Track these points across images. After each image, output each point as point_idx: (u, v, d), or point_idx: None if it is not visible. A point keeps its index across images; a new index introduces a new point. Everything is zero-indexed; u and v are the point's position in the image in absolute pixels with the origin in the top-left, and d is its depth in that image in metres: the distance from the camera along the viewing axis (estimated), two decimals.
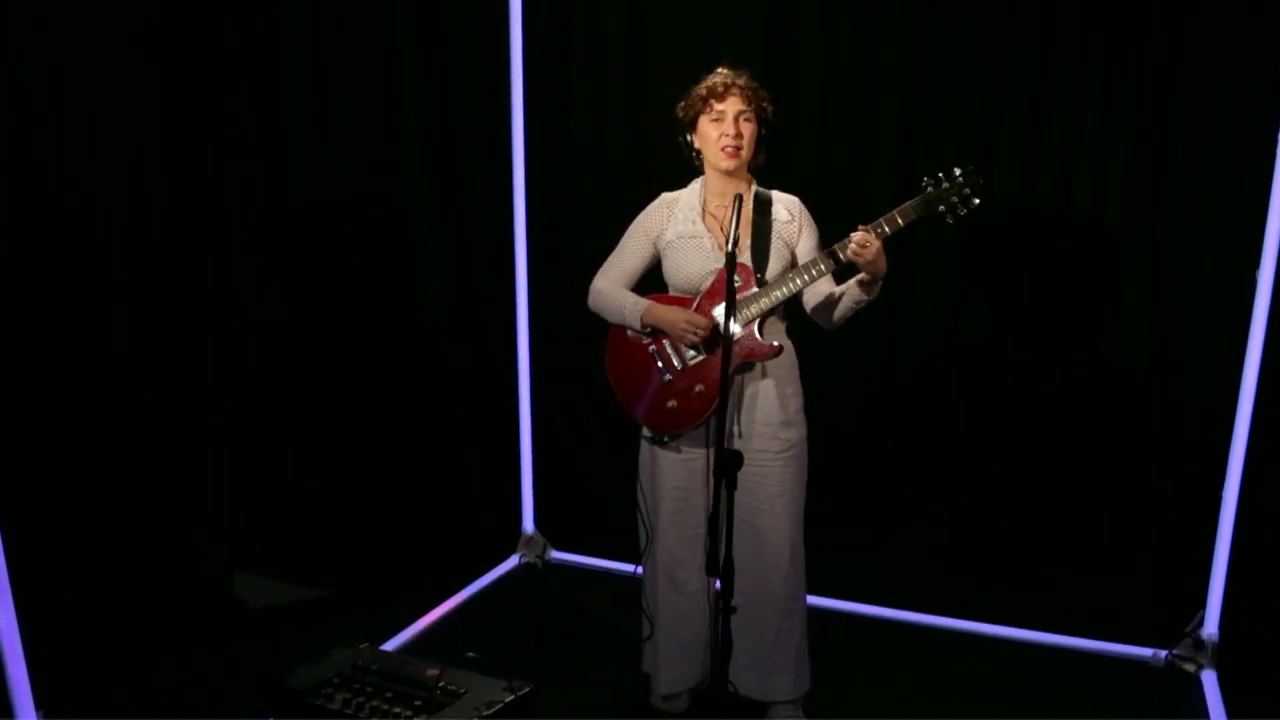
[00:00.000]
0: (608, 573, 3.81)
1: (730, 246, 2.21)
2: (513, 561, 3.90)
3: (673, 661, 2.80)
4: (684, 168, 2.76)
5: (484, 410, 4.13)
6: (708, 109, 2.59)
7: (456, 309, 4.08)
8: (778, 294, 2.54)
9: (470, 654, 2.10)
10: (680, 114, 2.67)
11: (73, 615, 2.94)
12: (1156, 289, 3.67)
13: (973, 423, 3.91)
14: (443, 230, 4.02)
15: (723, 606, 2.29)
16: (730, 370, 2.30)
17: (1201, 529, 3.10)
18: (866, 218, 2.46)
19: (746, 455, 2.34)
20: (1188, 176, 3.57)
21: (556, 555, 3.95)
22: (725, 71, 2.60)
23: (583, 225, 4.02)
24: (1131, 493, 3.76)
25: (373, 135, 3.85)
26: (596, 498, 4.15)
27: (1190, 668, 3.04)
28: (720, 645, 2.31)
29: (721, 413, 2.31)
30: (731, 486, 2.23)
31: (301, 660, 2.24)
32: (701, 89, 2.61)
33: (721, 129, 2.56)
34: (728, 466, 2.21)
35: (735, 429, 2.62)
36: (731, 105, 2.56)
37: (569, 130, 4.05)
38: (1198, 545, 3.10)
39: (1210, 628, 3.04)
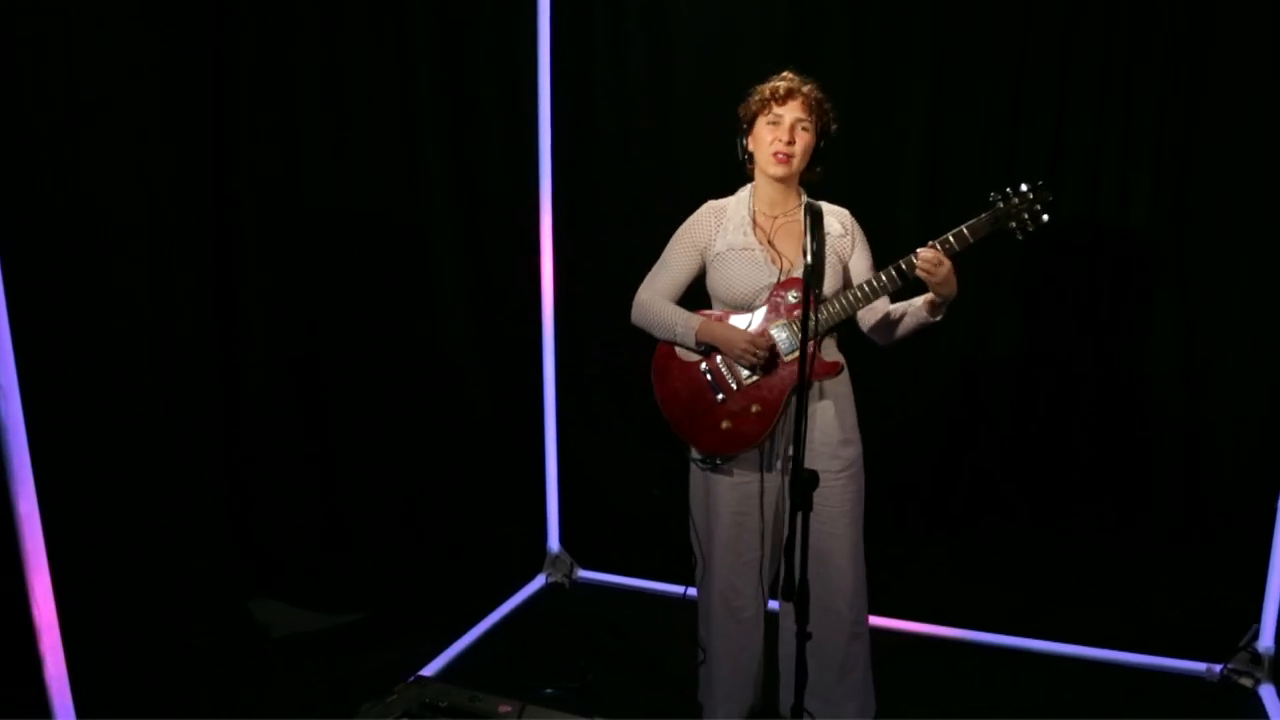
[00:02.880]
0: (637, 591, 3.72)
1: (809, 259, 2.12)
2: (539, 581, 3.80)
3: (730, 694, 2.68)
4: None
5: (508, 427, 4.03)
6: (766, 111, 2.45)
7: (480, 323, 3.97)
8: (838, 311, 2.43)
9: (549, 690, 2.00)
10: (739, 114, 2.53)
11: (99, 641, 2.81)
12: (1185, 296, 3.64)
13: (1015, 434, 3.86)
14: (465, 242, 3.91)
15: (798, 633, 2.20)
16: (805, 390, 2.20)
17: (1255, 540, 3.06)
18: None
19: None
20: (1214, 182, 3.55)
21: (583, 574, 3.85)
22: (791, 76, 2.47)
23: (610, 239, 3.93)
24: (1182, 504, 3.73)
25: (390, 140, 3.73)
26: (623, 515, 4.06)
27: (1247, 682, 3.00)
28: (797, 673, 2.23)
29: (799, 434, 2.17)
30: (807, 508, 2.14)
31: (365, 696, 2.14)
32: (764, 90, 2.47)
33: (776, 134, 2.44)
34: (805, 488, 2.13)
35: (792, 449, 2.48)
36: (791, 111, 2.43)
37: (595, 138, 3.96)
38: (1252, 556, 3.06)
39: (1266, 640, 3.01)
